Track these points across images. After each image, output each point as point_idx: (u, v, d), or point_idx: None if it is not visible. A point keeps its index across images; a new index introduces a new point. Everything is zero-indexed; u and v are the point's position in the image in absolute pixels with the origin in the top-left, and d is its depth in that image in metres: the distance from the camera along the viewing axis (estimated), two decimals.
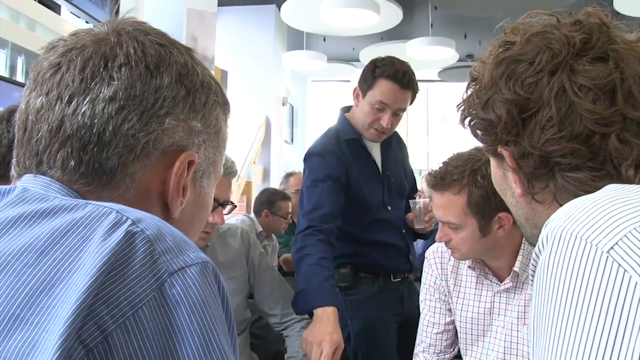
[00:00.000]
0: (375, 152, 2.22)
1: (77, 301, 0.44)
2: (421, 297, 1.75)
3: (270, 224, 3.66)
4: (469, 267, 1.62)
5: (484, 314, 1.59)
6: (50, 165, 0.61)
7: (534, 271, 0.62)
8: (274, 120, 6.99)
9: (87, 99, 0.60)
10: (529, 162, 0.75)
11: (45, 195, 0.57)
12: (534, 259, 0.62)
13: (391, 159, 2.25)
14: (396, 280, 2.20)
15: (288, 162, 7.88)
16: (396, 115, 2.09)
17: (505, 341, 1.55)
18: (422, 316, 1.74)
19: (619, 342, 0.49)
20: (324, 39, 7.47)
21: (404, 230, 2.23)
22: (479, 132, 0.82)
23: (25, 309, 0.45)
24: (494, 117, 0.76)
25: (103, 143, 0.60)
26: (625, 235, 0.53)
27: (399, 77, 2.03)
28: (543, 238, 0.60)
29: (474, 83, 0.81)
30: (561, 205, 0.63)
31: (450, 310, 1.69)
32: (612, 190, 0.61)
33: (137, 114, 0.61)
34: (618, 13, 5.12)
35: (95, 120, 0.59)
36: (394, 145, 2.28)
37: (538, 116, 0.73)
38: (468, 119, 0.83)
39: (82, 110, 0.60)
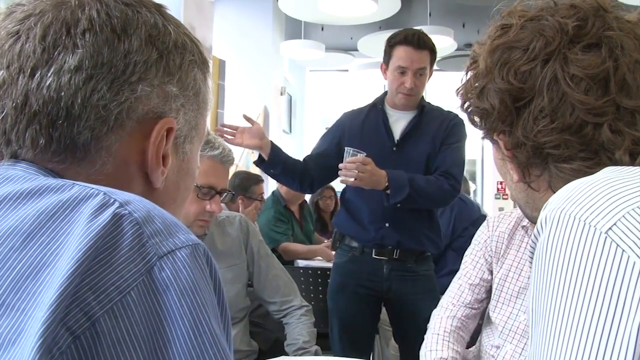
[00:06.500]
0: (399, 121, 2.38)
1: (61, 287, 0.43)
2: (467, 252, 1.77)
3: (246, 207, 3.64)
4: (522, 226, 1.63)
5: (523, 277, 1.60)
6: (20, 144, 0.58)
7: (532, 253, 0.62)
8: (272, 110, 6.97)
9: (51, 71, 0.56)
10: (522, 152, 0.75)
11: (27, 175, 0.54)
12: (532, 241, 0.62)
13: (415, 131, 2.35)
14: (378, 257, 2.33)
15: (286, 151, 7.87)
16: (419, 75, 2.29)
17: None
18: (461, 267, 1.76)
19: (617, 322, 0.50)
20: (322, 28, 7.43)
21: None
22: (476, 118, 0.82)
23: (12, 294, 0.44)
24: (488, 106, 0.76)
25: (72, 117, 0.56)
26: (623, 216, 0.53)
27: (410, 39, 2.26)
28: (542, 219, 0.60)
29: (472, 66, 0.81)
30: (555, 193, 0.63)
31: (490, 271, 1.69)
32: (610, 172, 0.61)
33: (107, 82, 0.57)
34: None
35: (62, 93, 0.56)
36: (430, 122, 2.37)
37: (531, 106, 0.72)
38: (466, 104, 0.83)
39: (47, 83, 0.56)
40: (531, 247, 0.63)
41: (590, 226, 0.54)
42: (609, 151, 0.69)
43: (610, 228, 0.53)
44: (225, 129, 2.22)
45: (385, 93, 2.43)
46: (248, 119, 2.23)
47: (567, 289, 0.54)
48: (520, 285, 1.60)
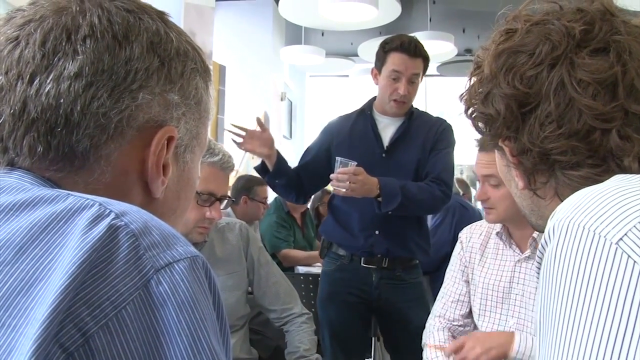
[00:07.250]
0: (388, 127, 2.37)
1: (54, 302, 0.41)
2: (447, 270, 1.84)
3: (249, 210, 3.65)
4: (496, 233, 1.70)
5: (504, 282, 1.66)
6: (17, 152, 0.57)
7: (539, 262, 0.60)
8: (272, 115, 6.97)
9: (50, 77, 0.55)
10: (528, 158, 0.74)
11: (21, 185, 0.53)
12: (540, 251, 0.61)
13: (405, 137, 2.34)
14: (367, 266, 2.31)
15: (287, 157, 7.85)
16: (412, 82, 2.28)
17: (525, 309, 1.61)
18: (442, 286, 1.83)
19: (630, 334, 0.48)
20: (322, 34, 7.44)
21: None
22: (480, 124, 0.81)
23: (2, 311, 0.42)
24: (494, 112, 0.75)
25: (72, 125, 0.55)
26: (634, 226, 0.52)
27: (406, 46, 2.25)
28: (550, 229, 0.58)
29: (477, 71, 0.79)
30: (562, 201, 0.62)
31: (467, 282, 1.76)
32: (619, 181, 0.60)
33: (107, 90, 0.56)
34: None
35: (61, 100, 0.55)
36: (419, 127, 2.36)
37: (537, 111, 0.71)
38: (470, 110, 0.81)
39: (46, 90, 0.55)
40: (538, 257, 0.62)
41: (600, 236, 0.53)
42: (618, 158, 0.68)
43: (621, 239, 0.52)
44: (235, 129, 2.20)
45: (374, 99, 2.42)
46: (261, 125, 2.21)
47: (577, 299, 0.52)
48: (503, 291, 1.66)
